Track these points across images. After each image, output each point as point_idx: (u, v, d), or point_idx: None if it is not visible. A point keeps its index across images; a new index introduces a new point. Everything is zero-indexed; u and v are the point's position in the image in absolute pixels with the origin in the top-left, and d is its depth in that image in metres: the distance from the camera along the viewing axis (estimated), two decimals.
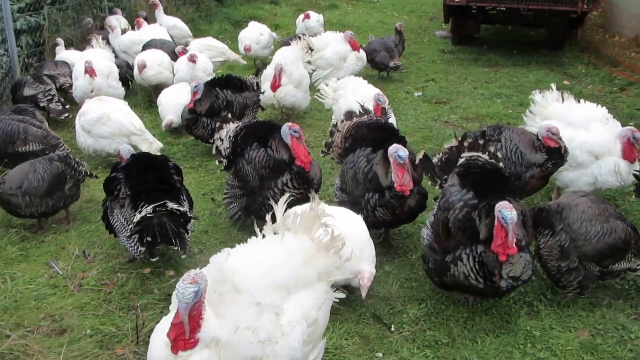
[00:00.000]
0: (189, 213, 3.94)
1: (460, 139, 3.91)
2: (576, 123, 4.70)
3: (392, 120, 5.59)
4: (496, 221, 3.14)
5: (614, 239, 3.51)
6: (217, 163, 4.72)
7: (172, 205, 3.77)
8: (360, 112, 4.77)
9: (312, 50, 7.63)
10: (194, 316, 2.30)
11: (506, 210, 3.08)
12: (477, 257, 3.25)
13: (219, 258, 2.64)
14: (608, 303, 3.74)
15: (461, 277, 3.31)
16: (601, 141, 4.54)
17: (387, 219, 4.02)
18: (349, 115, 4.78)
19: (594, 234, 3.51)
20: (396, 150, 3.82)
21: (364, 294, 3.45)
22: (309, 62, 7.48)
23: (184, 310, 2.25)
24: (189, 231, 3.94)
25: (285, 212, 2.91)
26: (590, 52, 9.98)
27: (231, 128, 4.60)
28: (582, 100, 5.02)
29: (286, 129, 4.18)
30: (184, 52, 7.67)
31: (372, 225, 3.96)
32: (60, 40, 7.84)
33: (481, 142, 3.83)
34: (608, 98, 7.78)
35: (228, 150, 4.49)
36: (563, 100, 4.99)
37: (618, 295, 3.83)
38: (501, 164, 3.76)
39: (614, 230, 3.52)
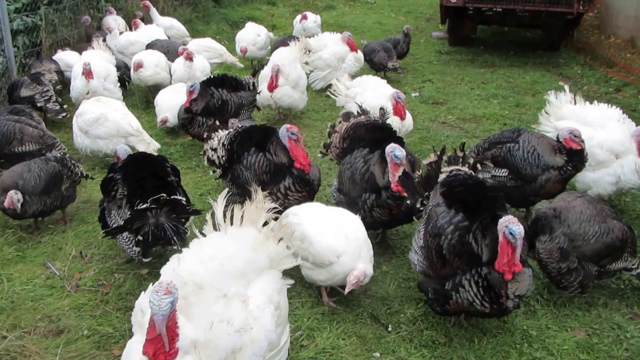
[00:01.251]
0: (187, 206, 3.93)
1: (438, 153, 3.75)
2: (593, 122, 4.68)
3: (409, 118, 5.64)
4: (501, 237, 2.98)
5: (611, 238, 3.52)
6: (211, 173, 4.68)
7: (168, 198, 3.75)
8: (357, 112, 4.78)
9: (309, 51, 7.64)
10: (170, 326, 2.27)
11: (514, 225, 2.93)
12: (480, 281, 3.08)
13: (171, 265, 2.65)
14: (604, 302, 3.76)
15: (465, 304, 3.15)
16: (621, 139, 4.53)
17: (384, 219, 4.03)
18: (347, 115, 4.79)
19: (592, 233, 3.52)
20: (393, 149, 3.82)
21: (346, 290, 3.46)
22: (307, 63, 7.49)
23: (161, 321, 2.21)
24: (187, 230, 3.94)
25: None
26: (585, 53, 10.02)
27: (222, 135, 4.53)
28: (594, 102, 5.03)
29: (284, 131, 4.17)
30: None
31: (370, 225, 3.96)
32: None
33: (460, 154, 3.72)
34: (603, 99, 7.77)
35: (223, 158, 4.43)
36: (575, 102, 5.00)
37: (614, 295, 3.84)
38: (481, 175, 3.62)
39: (611, 229, 3.54)
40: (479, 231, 3.15)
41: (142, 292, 2.58)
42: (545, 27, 9.98)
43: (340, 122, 4.73)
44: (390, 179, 3.88)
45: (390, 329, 3.53)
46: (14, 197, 4.29)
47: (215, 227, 2.91)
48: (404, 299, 3.80)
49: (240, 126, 4.73)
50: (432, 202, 3.52)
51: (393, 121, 5.37)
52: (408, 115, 5.65)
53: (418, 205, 3.72)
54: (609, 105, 4.94)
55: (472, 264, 3.13)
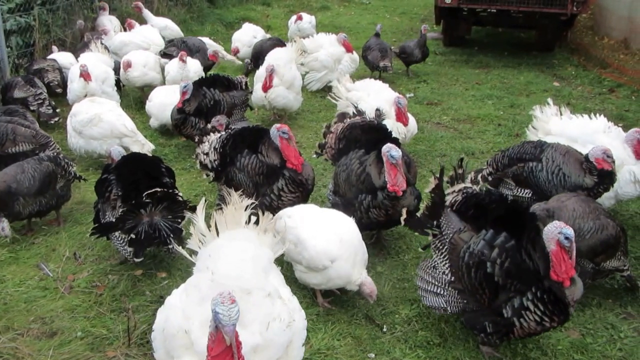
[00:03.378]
0: (184, 202, 3.93)
1: (437, 176, 3.49)
2: (581, 138, 4.47)
3: (413, 121, 5.62)
4: (554, 246, 2.87)
5: (605, 235, 3.53)
6: (204, 176, 4.66)
7: (166, 191, 3.76)
8: (353, 112, 4.78)
9: (304, 52, 7.63)
10: (235, 335, 2.24)
11: (566, 229, 2.83)
12: (546, 296, 2.91)
13: (205, 277, 2.61)
14: (598, 302, 3.77)
15: (532, 326, 2.97)
16: (615, 153, 4.30)
17: (381, 219, 4.02)
18: (342, 116, 4.79)
19: (587, 229, 3.53)
20: (389, 149, 3.81)
21: (372, 301, 3.55)
22: (302, 64, 7.48)
23: (232, 331, 2.16)
24: (182, 229, 3.92)
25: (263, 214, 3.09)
26: (579, 54, 10.06)
27: (213, 139, 4.49)
28: (577, 115, 4.93)
29: (274, 131, 4.13)
30: (215, 55, 7.75)
31: (366, 226, 3.96)
32: (55, 47, 7.86)
33: (460, 171, 3.54)
34: (597, 99, 7.86)
35: (216, 162, 4.39)
36: (561, 114, 4.90)
37: (607, 295, 3.86)
38: (503, 192, 3.50)
39: (605, 226, 3.55)
40: (530, 246, 3.00)
41: (167, 315, 2.53)
42: (539, 28, 10.02)
43: (335, 123, 4.73)
44: (386, 179, 3.88)
45: (385, 329, 3.53)
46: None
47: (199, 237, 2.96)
48: (399, 299, 3.80)
49: (232, 127, 4.72)
50: (448, 230, 3.30)
51: (398, 127, 5.37)
52: (412, 120, 5.62)
53: (430, 238, 3.44)
54: (596, 114, 4.84)
55: (530, 282, 2.96)
